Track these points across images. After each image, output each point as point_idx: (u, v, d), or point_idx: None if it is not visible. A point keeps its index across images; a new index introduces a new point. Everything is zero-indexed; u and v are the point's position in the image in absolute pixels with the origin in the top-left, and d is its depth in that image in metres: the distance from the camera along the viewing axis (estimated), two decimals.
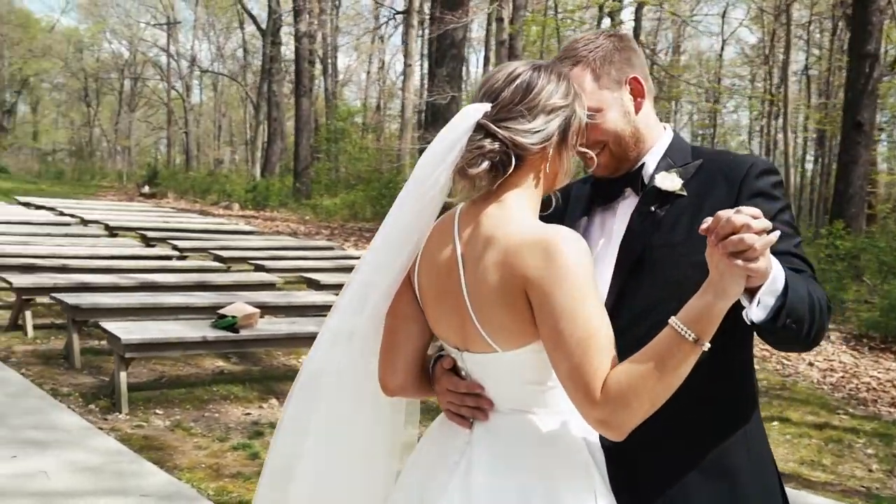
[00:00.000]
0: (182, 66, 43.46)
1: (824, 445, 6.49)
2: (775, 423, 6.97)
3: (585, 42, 1.92)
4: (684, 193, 1.84)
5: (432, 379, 1.79)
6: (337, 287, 8.42)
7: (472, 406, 1.70)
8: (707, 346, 1.45)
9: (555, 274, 1.50)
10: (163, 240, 12.88)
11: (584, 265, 1.52)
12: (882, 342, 10.45)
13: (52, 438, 5.10)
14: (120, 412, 5.80)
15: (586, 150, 1.84)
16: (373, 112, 38.73)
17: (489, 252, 1.59)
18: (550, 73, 1.69)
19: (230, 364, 7.38)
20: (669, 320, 1.46)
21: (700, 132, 39.81)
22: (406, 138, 20.26)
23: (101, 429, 5.42)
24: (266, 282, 9.24)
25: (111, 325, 6.05)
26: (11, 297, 8.39)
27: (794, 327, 1.57)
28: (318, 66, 33.48)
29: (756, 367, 6.74)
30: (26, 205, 17.73)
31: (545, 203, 1.74)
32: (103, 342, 7.06)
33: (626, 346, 1.51)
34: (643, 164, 1.91)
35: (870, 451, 6.43)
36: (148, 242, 12.93)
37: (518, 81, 1.65)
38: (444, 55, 17.29)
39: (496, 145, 1.62)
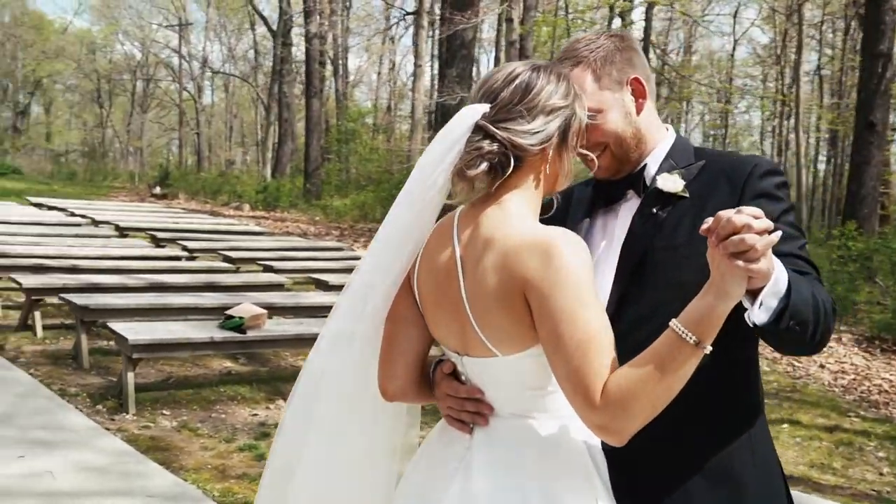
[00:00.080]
0: (194, 68, 43.65)
1: (835, 448, 6.44)
2: (785, 425, 6.92)
3: (586, 42, 1.90)
4: (686, 195, 1.81)
5: (433, 384, 1.77)
6: None
7: (472, 411, 1.68)
8: (709, 348, 1.43)
9: (554, 276, 1.48)
10: (173, 240, 12.91)
11: (583, 267, 1.50)
12: (894, 344, 10.36)
13: (59, 439, 5.11)
14: (127, 413, 5.81)
15: (587, 152, 1.82)
16: (383, 113, 38.77)
17: (488, 254, 1.57)
18: (550, 73, 1.67)
19: (238, 365, 7.39)
20: (670, 323, 1.44)
21: (712, 133, 39.67)
22: (416, 139, 20.26)
23: (107, 429, 5.43)
24: (274, 282, 9.24)
25: (119, 326, 6.06)
26: (21, 298, 8.42)
27: (798, 330, 1.54)
28: (329, 67, 33.55)
29: (766, 368, 6.66)
30: (38, 205, 17.81)
31: (546, 205, 1.72)
32: (112, 343, 7.07)
33: (628, 350, 1.49)
34: (645, 166, 1.88)
35: (881, 454, 6.37)
36: (158, 243, 12.97)
37: (517, 82, 1.64)
38: (454, 56, 17.27)
39: (495, 146, 1.60)
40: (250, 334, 6.39)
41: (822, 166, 35.61)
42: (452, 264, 1.62)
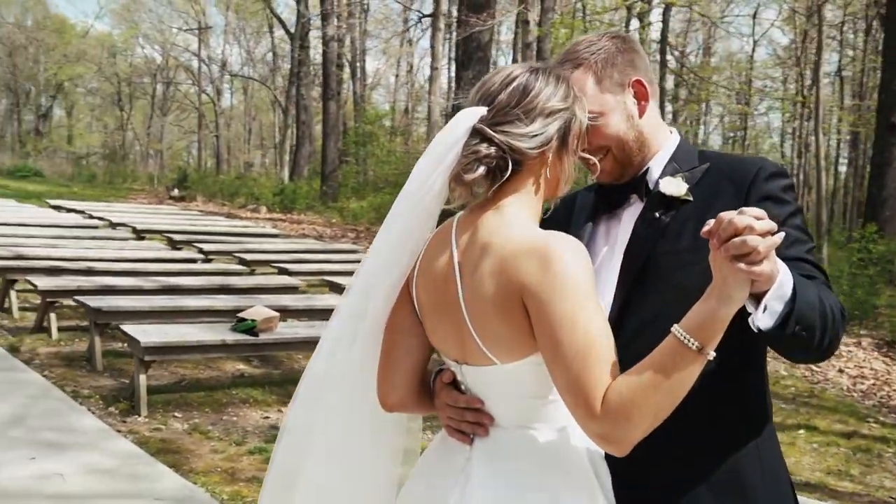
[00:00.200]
0: (213, 71, 43.94)
1: (852, 455, 6.35)
2: (802, 431, 6.84)
3: (587, 44, 1.87)
4: (690, 199, 1.78)
5: (433, 394, 1.74)
6: None
7: (471, 421, 1.65)
8: (712, 354, 1.39)
9: (552, 281, 1.45)
10: (189, 243, 12.98)
11: (582, 272, 1.46)
12: None
13: (70, 441, 5.13)
14: (139, 415, 5.82)
15: (589, 156, 1.78)
16: (401, 115, 38.83)
17: (486, 260, 1.54)
18: (549, 75, 1.64)
19: (251, 367, 7.39)
20: (672, 328, 1.40)
21: (731, 135, 39.41)
22: None
23: (118, 431, 5.45)
24: (288, 285, 9.26)
25: (131, 328, 6.08)
26: (38, 300, 8.47)
27: (805, 335, 1.50)
28: (347, 69, 33.65)
29: (784, 373, 6.57)
30: (56, 208, 17.96)
31: (546, 210, 1.70)
32: (125, 345, 7.10)
33: (631, 357, 1.45)
34: (648, 170, 1.85)
35: None
36: (174, 245, 13.04)
37: (515, 84, 1.61)
38: (471, 58, 17.24)
39: (492, 150, 1.57)
40: (262, 337, 6.39)
41: (843, 168, 35.32)
42: (450, 270, 1.59)
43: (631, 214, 1.85)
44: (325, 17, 26.43)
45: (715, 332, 1.38)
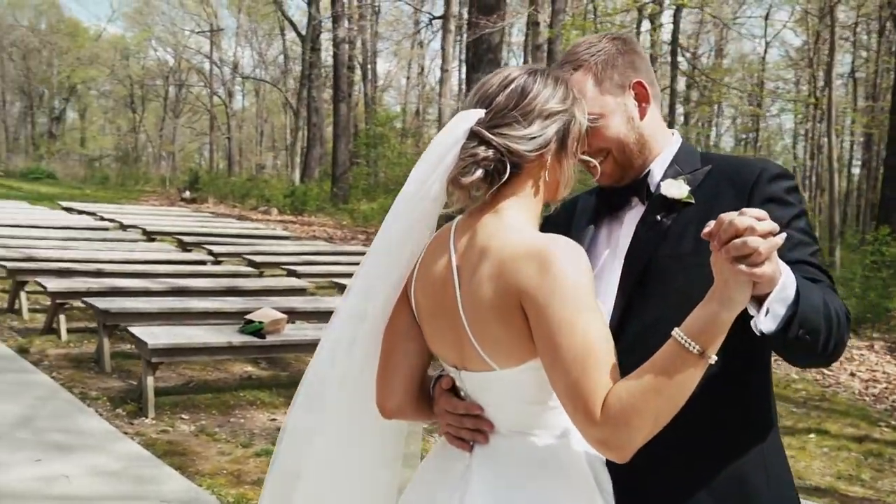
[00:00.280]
0: (225, 73, 44.10)
1: (863, 459, 6.29)
2: (812, 435, 6.78)
3: (587, 46, 1.85)
4: (692, 201, 1.75)
5: (432, 400, 1.72)
6: None
7: (471, 428, 1.63)
8: (714, 358, 1.37)
9: (550, 285, 1.43)
10: (199, 244, 13.02)
11: (581, 276, 1.44)
12: None
13: (77, 442, 5.14)
14: (146, 417, 5.83)
15: (589, 159, 1.76)
16: (412, 117, 38.85)
17: (484, 264, 1.52)
18: (547, 77, 1.62)
19: (258, 369, 7.40)
20: (672, 332, 1.38)
21: (743, 136, 39.24)
22: None
23: (125, 433, 5.45)
24: (296, 287, 9.26)
25: (139, 330, 6.09)
26: (48, 301, 8.51)
27: (809, 339, 1.47)
28: (358, 71, 33.69)
29: (795, 376, 6.51)
30: (68, 210, 18.05)
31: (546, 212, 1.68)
32: (133, 346, 7.11)
33: (633, 362, 1.42)
34: (649, 172, 1.82)
35: None
36: (184, 247, 13.08)
37: (513, 86, 1.59)
38: (481, 60, 17.20)
39: (490, 153, 1.55)
40: (269, 339, 6.39)
41: (856, 170, 35.09)
42: (449, 273, 1.57)
43: (632, 217, 1.83)
44: (335, 20, 26.47)
45: (716, 335, 1.36)
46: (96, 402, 6.10)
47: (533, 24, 17.53)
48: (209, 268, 10.44)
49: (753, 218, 1.32)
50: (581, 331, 1.41)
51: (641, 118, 1.82)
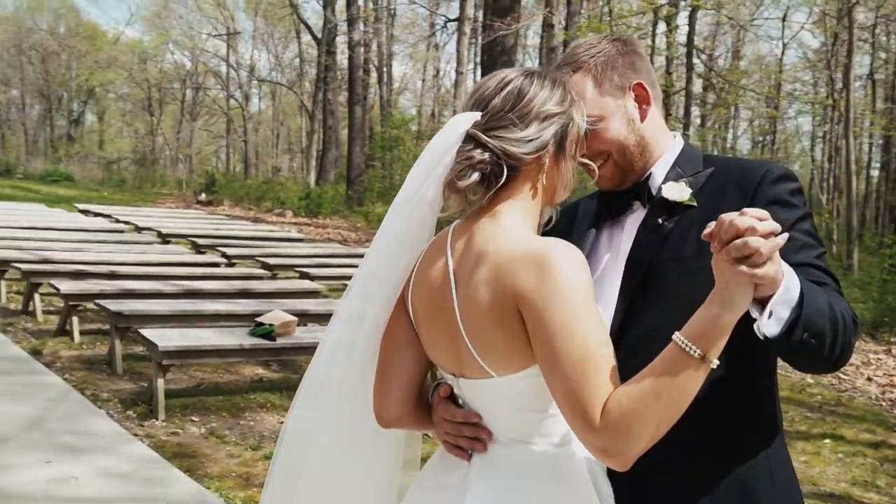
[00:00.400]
0: (241, 76, 44.31)
1: (879, 465, 6.20)
2: (827, 440, 6.70)
3: (587, 47, 1.83)
4: (694, 204, 1.73)
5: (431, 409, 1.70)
6: None
7: (469, 437, 1.61)
8: (716, 363, 1.34)
9: (549, 289, 1.40)
10: (213, 247, 13.07)
11: (580, 279, 1.42)
12: None
13: (87, 444, 5.15)
14: (156, 419, 5.84)
15: (588, 162, 1.74)
16: (427, 119, 38.88)
17: (481, 268, 1.50)
18: (544, 79, 1.61)
19: (269, 372, 7.40)
20: (673, 336, 1.35)
21: (760, 139, 38.99)
22: None
23: (135, 435, 5.47)
24: (309, 289, 9.26)
25: (150, 332, 6.11)
26: (62, 303, 8.55)
27: (814, 342, 1.44)
28: (374, 74, 33.74)
29: (810, 380, 6.44)
30: (84, 212, 18.19)
31: (549, 221, 1.66)
32: (145, 348, 7.14)
33: (634, 368, 1.40)
34: (650, 175, 1.80)
35: None
36: (198, 249, 13.13)
37: (509, 88, 1.58)
38: (495, 62, 17.17)
39: (486, 156, 1.53)
40: (280, 341, 6.39)
41: (875, 172, 34.76)
42: (446, 278, 1.55)
43: (634, 221, 1.81)
44: (350, 23, 26.55)
45: (718, 339, 1.33)
46: (107, 403, 6.12)
47: (547, 27, 17.46)
48: (222, 270, 10.47)
49: (754, 218, 1.29)
50: (580, 335, 1.38)
51: (642, 120, 1.80)
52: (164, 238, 14.29)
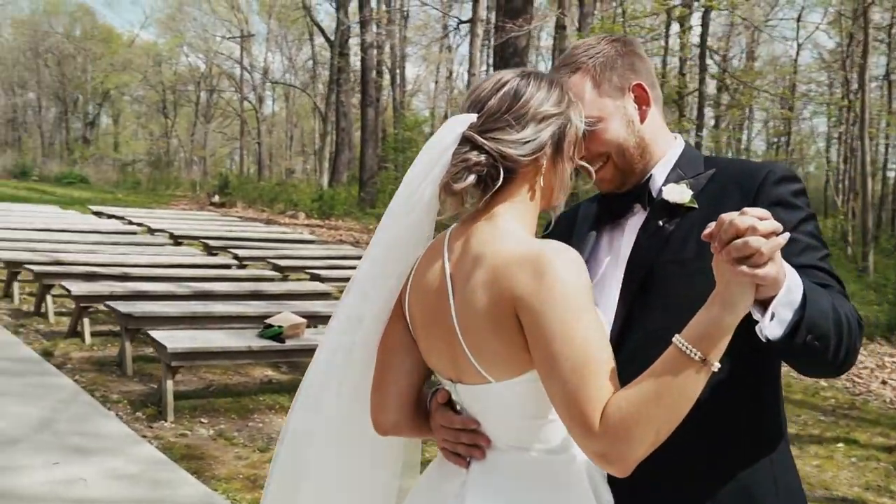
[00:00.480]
0: (255, 78, 44.48)
1: (893, 470, 6.14)
2: (841, 444, 6.64)
3: (585, 48, 1.81)
4: (695, 206, 1.71)
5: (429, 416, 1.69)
6: None
7: (467, 443, 1.59)
8: (717, 366, 1.32)
9: (546, 292, 1.38)
10: (224, 248, 13.11)
11: (578, 282, 1.40)
12: None
13: (96, 446, 5.17)
14: (165, 420, 5.85)
15: (586, 164, 1.71)
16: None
17: (477, 271, 1.48)
18: (541, 80, 1.59)
19: (279, 373, 7.41)
20: (673, 338, 1.33)
21: (775, 140, 38.75)
22: None
23: (144, 436, 5.48)
24: (319, 291, 9.26)
25: (159, 334, 6.12)
26: (73, 305, 8.59)
27: (818, 345, 1.42)
28: (387, 76, 33.79)
29: (824, 384, 6.37)
30: (98, 214, 18.29)
31: (547, 224, 1.64)
32: (155, 350, 7.16)
33: (634, 373, 1.38)
34: (651, 177, 1.78)
35: None
36: (210, 251, 13.17)
37: (505, 89, 1.56)
38: (507, 64, 17.15)
39: (483, 158, 1.52)
40: (289, 343, 6.39)
41: (891, 174, 34.47)
42: (442, 283, 1.53)
43: (634, 224, 1.79)
44: (363, 25, 26.59)
45: (718, 341, 1.31)
46: (117, 405, 6.14)
47: (560, 28, 17.42)
48: (233, 272, 10.49)
49: (755, 217, 1.27)
50: (578, 338, 1.36)
51: (642, 121, 1.78)
52: (177, 240, 14.35)
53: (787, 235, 1.29)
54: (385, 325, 1.65)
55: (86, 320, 7.93)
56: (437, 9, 29.33)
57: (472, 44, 21.64)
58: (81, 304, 7.85)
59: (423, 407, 1.68)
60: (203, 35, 46.72)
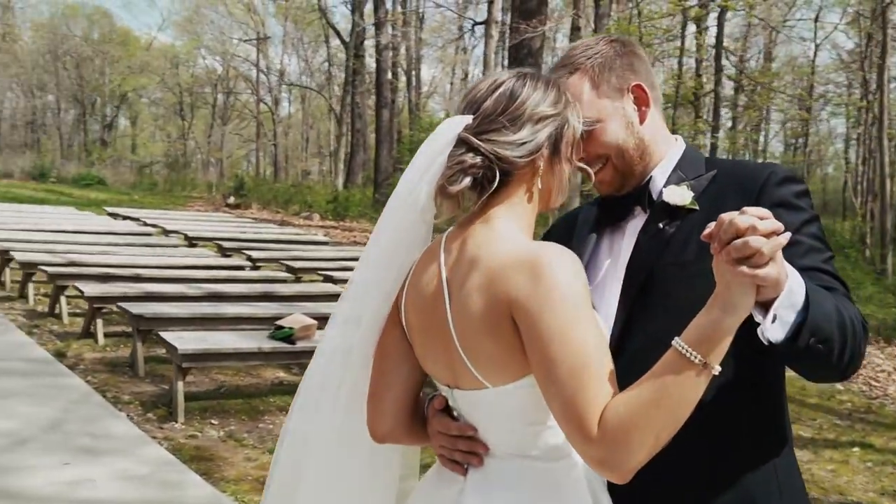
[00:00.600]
0: (271, 80, 44.64)
1: None
2: (856, 448, 6.57)
3: (584, 48, 1.79)
4: (696, 207, 1.68)
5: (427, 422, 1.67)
6: None
7: (464, 450, 1.56)
8: (717, 369, 1.29)
9: (543, 295, 1.36)
10: (238, 250, 13.15)
11: (576, 284, 1.37)
12: None
13: (106, 447, 5.19)
14: (176, 421, 5.87)
15: (585, 166, 1.69)
16: None
17: (473, 275, 1.46)
18: (537, 81, 1.57)
19: (290, 375, 7.41)
20: (673, 341, 1.30)
21: (792, 141, 38.47)
22: None
23: (154, 438, 5.50)
24: (332, 293, 9.26)
25: (169, 335, 6.14)
26: (87, 306, 8.64)
27: (821, 348, 1.38)
28: (403, 77, 33.82)
29: (840, 387, 6.30)
30: (113, 215, 18.40)
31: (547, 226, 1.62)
32: (166, 351, 7.18)
33: (635, 376, 1.35)
34: (651, 179, 1.75)
35: None
36: (224, 252, 13.21)
37: (501, 90, 1.54)
38: (522, 65, 17.06)
39: (478, 160, 1.50)
40: (299, 345, 6.39)
41: None
42: (438, 287, 1.51)
43: (635, 227, 1.76)
44: (378, 27, 26.64)
45: (719, 344, 1.28)
46: (128, 406, 6.16)
47: (575, 29, 17.37)
48: (246, 273, 10.52)
49: (755, 217, 1.24)
50: (576, 342, 1.34)
51: (641, 122, 1.75)
52: (191, 241, 14.41)
53: (788, 235, 1.26)
54: (382, 328, 1.63)
55: (99, 321, 7.98)
56: (452, 10, 29.34)
57: (487, 45, 21.62)
58: (94, 305, 7.89)
59: (420, 413, 1.66)
60: (220, 38, 46.96)
